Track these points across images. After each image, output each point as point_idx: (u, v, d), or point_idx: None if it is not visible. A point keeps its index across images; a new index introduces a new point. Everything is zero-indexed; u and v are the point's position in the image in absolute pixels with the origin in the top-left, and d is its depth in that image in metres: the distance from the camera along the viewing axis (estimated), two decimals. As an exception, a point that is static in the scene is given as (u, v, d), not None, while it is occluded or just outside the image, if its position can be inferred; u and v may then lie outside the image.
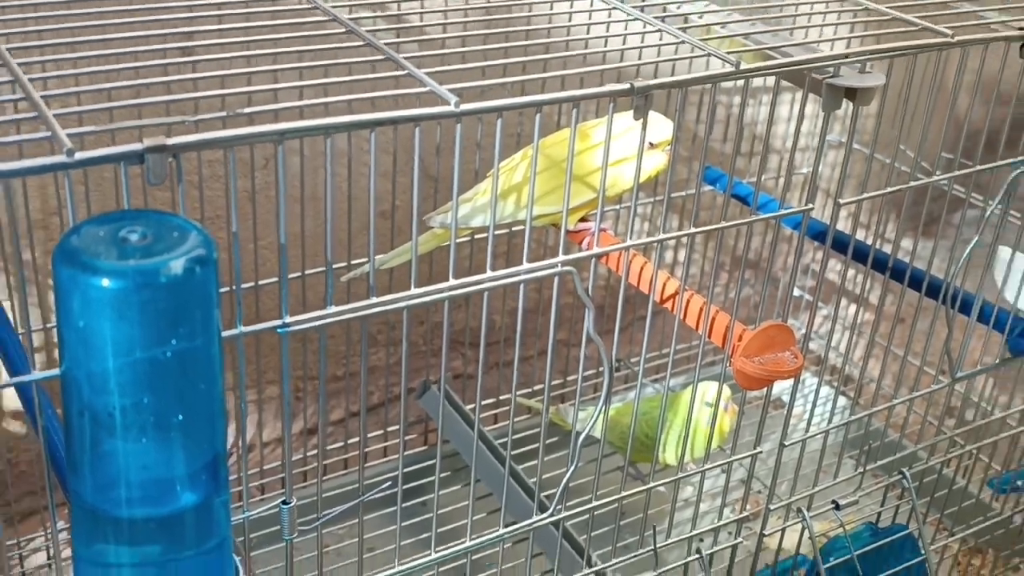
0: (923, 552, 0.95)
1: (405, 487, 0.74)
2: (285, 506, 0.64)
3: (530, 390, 1.33)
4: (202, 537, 0.54)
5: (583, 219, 0.94)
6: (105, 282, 0.46)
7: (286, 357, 0.60)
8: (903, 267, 0.99)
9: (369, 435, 1.25)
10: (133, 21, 0.64)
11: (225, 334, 0.54)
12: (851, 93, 0.73)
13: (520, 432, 1.29)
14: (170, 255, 0.47)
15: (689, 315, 0.84)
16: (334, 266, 0.60)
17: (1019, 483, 1.16)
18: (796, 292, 1.51)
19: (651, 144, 0.90)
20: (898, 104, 1.08)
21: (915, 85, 1.10)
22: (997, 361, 0.98)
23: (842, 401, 1.42)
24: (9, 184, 0.50)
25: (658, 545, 0.88)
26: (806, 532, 0.93)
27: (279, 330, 0.59)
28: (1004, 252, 0.98)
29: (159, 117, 0.53)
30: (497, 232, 0.66)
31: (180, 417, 0.50)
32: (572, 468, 0.78)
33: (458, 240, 0.68)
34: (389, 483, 0.73)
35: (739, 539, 0.91)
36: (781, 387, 1.36)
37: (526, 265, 0.66)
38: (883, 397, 1.29)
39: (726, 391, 1.01)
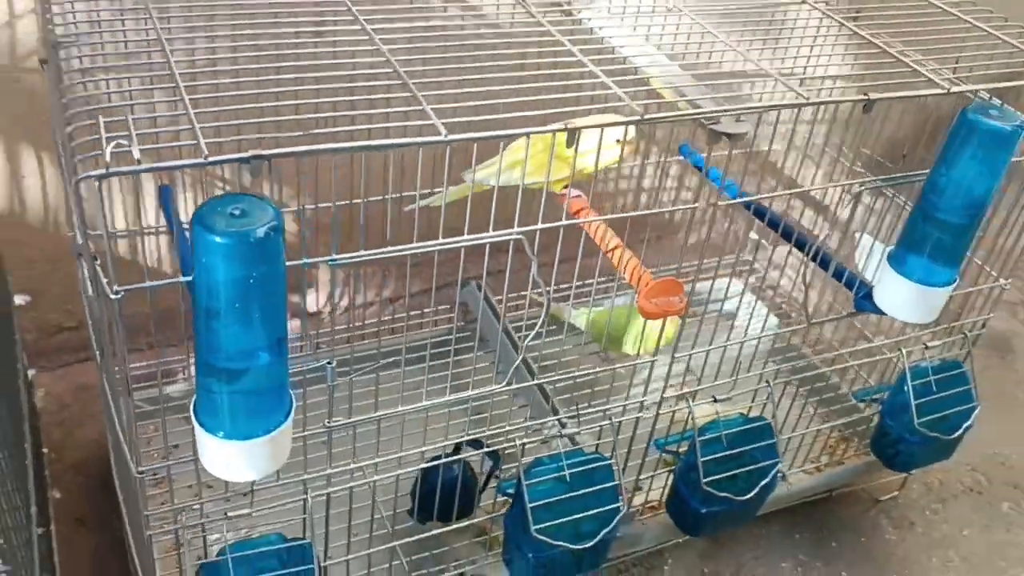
0: (775, 438, 1.13)
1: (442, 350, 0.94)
2: (329, 364, 0.85)
3: (538, 292, 1.51)
4: (270, 380, 0.75)
5: (566, 186, 1.11)
6: (217, 239, 0.66)
7: (335, 277, 0.80)
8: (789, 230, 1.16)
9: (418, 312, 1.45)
10: (239, 67, 0.83)
11: (302, 262, 0.75)
12: (728, 135, 0.89)
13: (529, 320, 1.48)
14: (257, 224, 0.67)
15: (620, 265, 1.02)
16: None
17: (875, 396, 1.32)
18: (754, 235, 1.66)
19: (618, 141, 1.06)
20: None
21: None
22: (844, 313, 1.14)
23: (775, 321, 1.59)
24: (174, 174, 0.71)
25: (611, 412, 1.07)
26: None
27: (330, 263, 0.79)
28: (866, 240, 1.12)
29: (252, 134, 0.72)
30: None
31: (258, 314, 0.71)
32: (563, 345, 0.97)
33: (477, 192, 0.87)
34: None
35: (641, 413, 1.09)
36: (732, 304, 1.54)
37: (491, 232, 0.85)
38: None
39: None
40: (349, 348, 1.31)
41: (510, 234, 0.85)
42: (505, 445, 1.08)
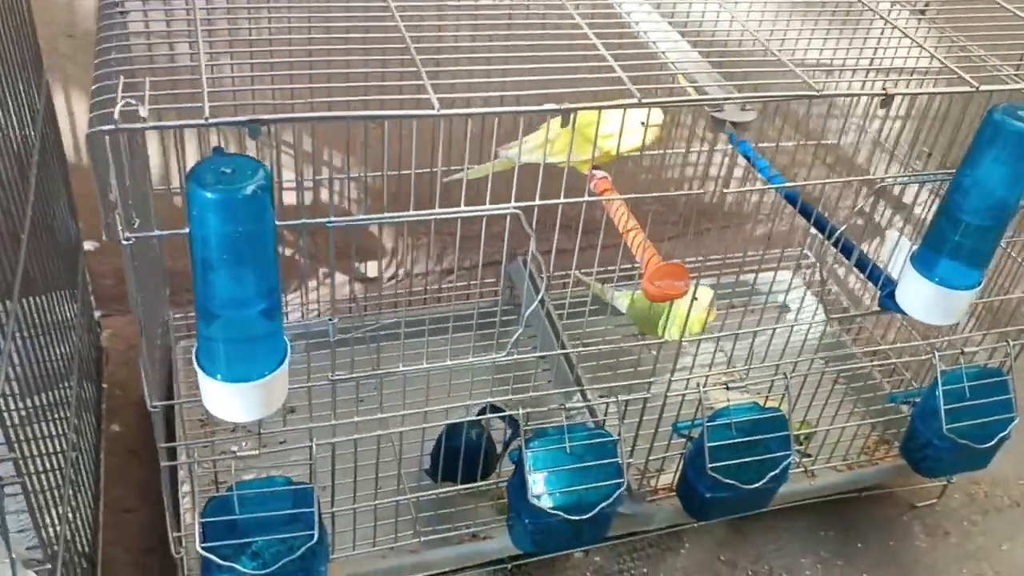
0: (788, 430, 1.13)
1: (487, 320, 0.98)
2: (331, 322, 0.91)
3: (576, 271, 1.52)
4: (261, 328, 0.80)
5: (595, 167, 1.14)
6: (208, 194, 0.72)
7: (332, 240, 0.85)
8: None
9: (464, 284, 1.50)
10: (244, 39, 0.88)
11: (300, 223, 0.80)
12: (732, 124, 0.89)
13: (572, 299, 1.51)
14: (245, 183, 0.72)
15: (632, 245, 1.04)
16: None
17: (908, 400, 1.30)
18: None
19: (642, 123, 1.08)
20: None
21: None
22: (869, 311, 1.13)
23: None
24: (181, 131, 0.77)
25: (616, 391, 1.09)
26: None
27: (327, 224, 0.84)
28: (894, 236, 1.10)
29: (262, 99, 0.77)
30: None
31: (247, 266, 0.76)
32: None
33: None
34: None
35: (648, 393, 1.11)
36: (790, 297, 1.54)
37: (487, 205, 0.88)
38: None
39: (711, 294, 1.20)
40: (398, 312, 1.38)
41: (506, 208, 0.88)
42: (515, 412, 1.11)
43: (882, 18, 1.08)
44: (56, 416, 1.04)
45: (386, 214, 0.85)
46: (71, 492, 1.03)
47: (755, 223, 1.77)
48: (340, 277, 1.52)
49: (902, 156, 1.42)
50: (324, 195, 1.35)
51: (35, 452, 0.92)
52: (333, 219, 0.83)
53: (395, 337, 1.09)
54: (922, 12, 1.32)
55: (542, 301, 0.98)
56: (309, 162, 1.27)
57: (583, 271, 1.54)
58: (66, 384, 1.08)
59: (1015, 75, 1.08)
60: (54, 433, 1.00)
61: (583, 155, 1.07)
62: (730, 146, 1.38)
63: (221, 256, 0.75)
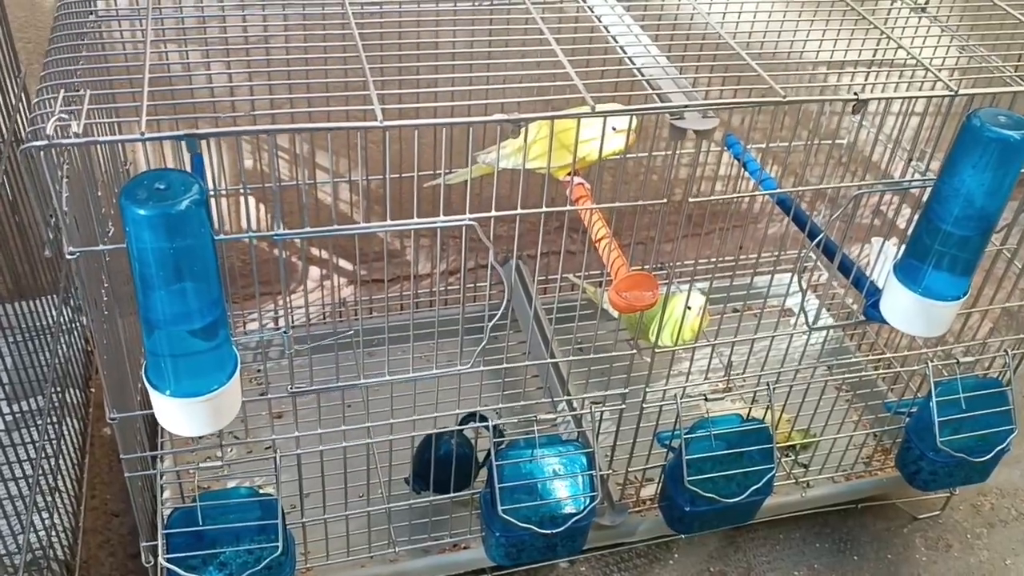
0: (771, 443, 1.10)
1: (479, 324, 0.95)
2: (285, 334, 0.90)
3: (567, 275, 1.51)
4: (209, 339, 0.80)
5: (569, 174, 1.11)
6: (141, 211, 0.71)
7: (281, 254, 0.84)
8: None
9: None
10: (181, 49, 0.87)
11: (246, 236, 0.80)
12: (695, 131, 0.87)
13: (563, 302, 1.48)
14: (179, 199, 0.72)
15: (602, 253, 1.02)
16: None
17: (903, 410, 1.26)
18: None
19: (614, 129, 1.05)
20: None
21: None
22: (852, 320, 1.09)
23: (830, 321, 1.53)
24: (116, 147, 0.77)
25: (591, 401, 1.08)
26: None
27: (275, 237, 0.83)
28: (876, 242, 1.07)
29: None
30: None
31: (186, 281, 0.75)
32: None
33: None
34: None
35: (623, 404, 1.09)
36: (793, 301, 1.50)
37: (442, 217, 0.87)
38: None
39: (702, 300, 1.17)
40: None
41: (462, 220, 0.87)
42: (486, 423, 1.09)
43: (863, 16, 1.04)
44: (28, 424, 1.05)
45: (335, 226, 0.84)
46: (47, 500, 1.04)
47: (749, 223, 1.74)
48: (338, 280, 1.52)
49: (918, 154, 1.38)
50: (324, 198, 1.35)
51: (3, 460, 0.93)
52: (280, 231, 0.83)
53: (381, 343, 1.08)
54: (923, 9, 1.28)
55: (506, 312, 0.96)
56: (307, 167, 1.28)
57: (577, 275, 1.53)
58: (42, 392, 1.09)
59: (1016, 76, 1.05)
60: (24, 441, 1.02)
61: (560, 161, 1.05)
62: (727, 148, 1.36)
63: (158, 272, 0.74)
